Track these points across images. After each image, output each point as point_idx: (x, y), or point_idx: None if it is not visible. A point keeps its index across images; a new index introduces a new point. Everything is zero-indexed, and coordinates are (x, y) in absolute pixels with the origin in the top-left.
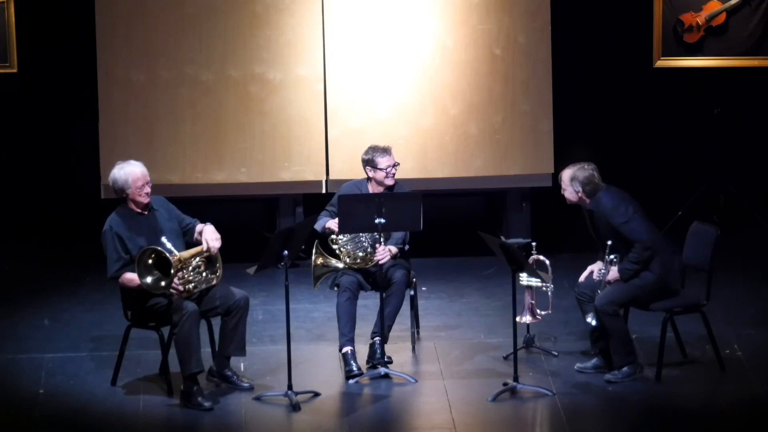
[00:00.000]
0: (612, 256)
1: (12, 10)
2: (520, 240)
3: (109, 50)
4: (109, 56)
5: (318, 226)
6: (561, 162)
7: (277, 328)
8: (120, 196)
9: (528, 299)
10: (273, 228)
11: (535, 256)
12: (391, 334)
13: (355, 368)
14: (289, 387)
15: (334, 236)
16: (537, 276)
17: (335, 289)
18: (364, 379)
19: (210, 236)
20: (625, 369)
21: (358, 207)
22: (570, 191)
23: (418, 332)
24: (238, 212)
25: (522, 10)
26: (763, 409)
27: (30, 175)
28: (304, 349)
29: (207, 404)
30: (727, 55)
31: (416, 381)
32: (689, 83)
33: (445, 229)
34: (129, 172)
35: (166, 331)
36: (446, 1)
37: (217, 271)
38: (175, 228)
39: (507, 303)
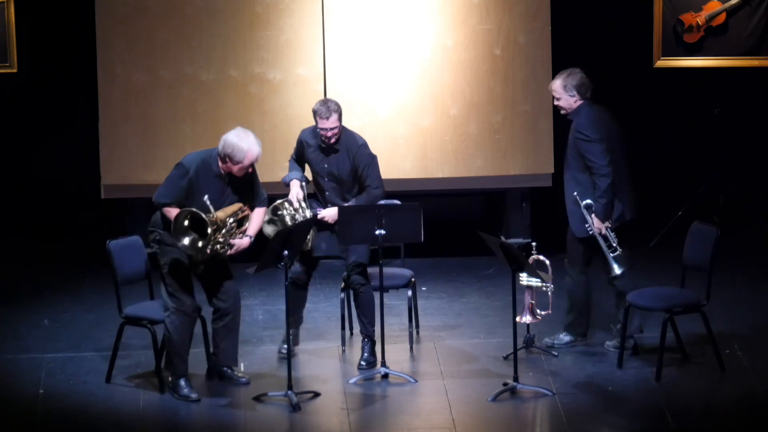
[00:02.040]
0: (585, 204)
1: (12, 10)
2: (520, 240)
3: (109, 50)
4: (109, 56)
5: (283, 180)
6: (561, 162)
7: (277, 328)
8: (221, 153)
9: (528, 299)
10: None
11: (535, 256)
12: (391, 334)
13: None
14: (289, 387)
15: (282, 201)
16: (537, 276)
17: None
18: (364, 379)
19: (253, 224)
20: (567, 337)
21: (357, 219)
22: (565, 99)
23: (417, 332)
24: None
25: (522, 10)
26: (763, 409)
27: (30, 175)
28: (304, 349)
29: (194, 396)
30: (727, 55)
31: (416, 381)
32: (689, 83)
33: (445, 229)
34: (248, 148)
35: (159, 329)
36: (446, 0)
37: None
38: (237, 198)
39: (507, 303)
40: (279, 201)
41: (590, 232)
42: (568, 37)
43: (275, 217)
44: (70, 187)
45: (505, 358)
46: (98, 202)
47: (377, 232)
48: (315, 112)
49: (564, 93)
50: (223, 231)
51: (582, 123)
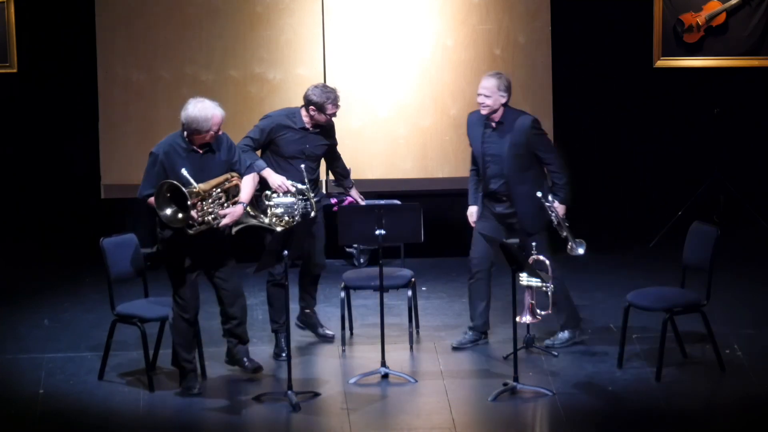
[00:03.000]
0: (539, 195)
1: (12, 10)
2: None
3: (109, 50)
4: (109, 56)
5: (258, 168)
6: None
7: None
8: (186, 129)
9: (528, 299)
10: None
11: (535, 256)
12: (391, 334)
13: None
14: (289, 387)
15: (269, 192)
16: (537, 276)
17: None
18: (364, 379)
19: (244, 191)
20: (566, 334)
21: (357, 218)
22: (495, 98)
23: (417, 332)
24: None
25: (522, 10)
26: (763, 409)
27: (30, 174)
28: (304, 349)
29: (196, 390)
30: (727, 55)
31: (416, 381)
32: (689, 83)
33: (445, 229)
34: (211, 115)
35: (149, 327)
36: (446, 0)
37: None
38: (218, 172)
39: (507, 303)
40: (265, 194)
41: (555, 221)
42: (568, 37)
43: (278, 213)
44: (70, 187)
45: (505, 358)
46: (98, 202)
47: (377, 232)
48: (320, 104)
49: (497, 92)
50: (209, 201)
51: (532, 120)
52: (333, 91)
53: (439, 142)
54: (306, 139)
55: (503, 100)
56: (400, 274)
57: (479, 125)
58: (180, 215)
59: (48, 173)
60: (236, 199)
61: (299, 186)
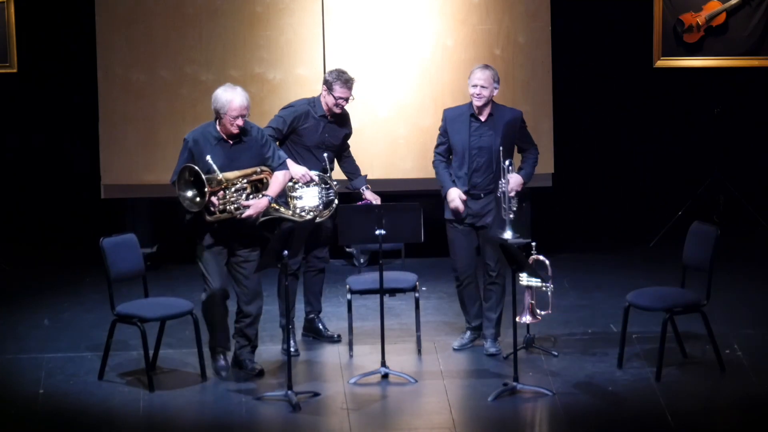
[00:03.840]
0: (507, 163)
1: (12, 10)
2: (520, 240)
3: (109, 50)
4: (109, 56)
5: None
6: (561, 162)
7: (277, 328)
8: (216, 115)
9: (528, 299)
10: (273, 228)
11: (535, 256)
12: (391, 334)
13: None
14: (289, 387)
15: (291, 183)
16: (537, 276)
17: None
18: (364, 379)
19: (273, 186)
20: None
21: (357, 218)
22: (491, 90)
23: (418, 332)
24: None
25: (522, 10)
26: (763, 409)
27: (30, 175)
28: (304, 349)
29: (224, 373)
30: (727, 55)
31: (416, 381)
32: (689, 83)
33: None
34: (230, 99)
35: (149, 327)
36: (446, 0)
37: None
38: (249, 164)
39: (507, 303)
40: (288, 185)
41: (501, 189)
42: (568, 37)
43: (301, 204)
44: (70, 187)
45: (505, 358)
46: (98, 202)
47: (377, 232)
48: (329, 83)
49: (492, 84)
50: (232, 191)
51: (521, 113)
52: (346, 74)
53: None
54: (326, 128)
55: (496, 92)
56: (404, 278)
57: (462, 120)
58: (198, 199)
59: (48, 173)
60: (265, 192)
61: (321, 175)
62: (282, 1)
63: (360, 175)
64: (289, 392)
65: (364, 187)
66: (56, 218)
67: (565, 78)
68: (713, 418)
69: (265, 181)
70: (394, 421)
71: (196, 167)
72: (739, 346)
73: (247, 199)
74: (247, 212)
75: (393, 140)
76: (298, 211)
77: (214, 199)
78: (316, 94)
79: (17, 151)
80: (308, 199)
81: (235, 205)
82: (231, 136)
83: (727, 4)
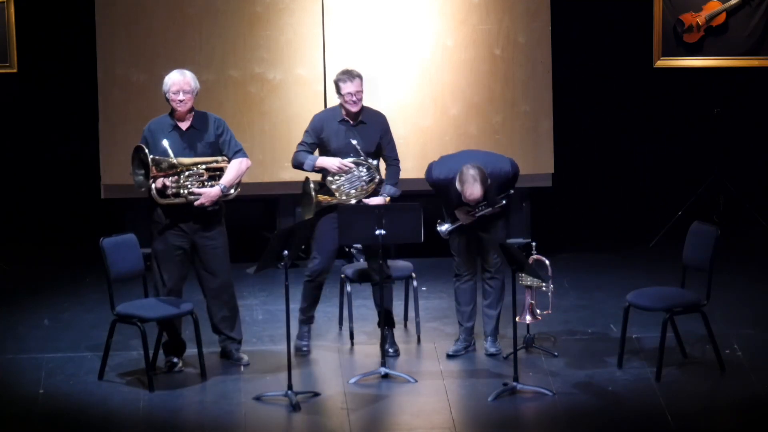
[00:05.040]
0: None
1: (12, 10)
2: (520, 240)
3: (109, 50)
4: (109, 56)
5: (307, 166)
6: (561, 162)
7: (277, 328)
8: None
9: (528, 299)
10: (273, 228)
11: (535, 256)
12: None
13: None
14: (289, 387)
15: (330, 177)
16: (537, 276)
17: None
18: (364, 379)
19: (227, 175)
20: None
21: (357, 218)
22: (480, 188)
23: (418, 332)
24: (238, 212)
25: (522, 10)
26: (763, 409)
27: (30, 174)
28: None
29: (243, 361)
30: (727, 55)
31: (416, 381)
32: (689, 83)
33: None
34: (168, 78)
35: (149, 327)
36: (446, 1)
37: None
38: (206, 151)
39: (507, 303)
40: (327, 180)
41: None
42: (568, 37)
43: (345, 189)
44: (70, 187)
45: (505, 358)
46: (98, 202)
47: (377, 232)
48: (335, 83)
49: (482, 186)
50: (186, 174)
51: (514, 167)
52: (351, 71)
53: (439, 142)
54: (350, 133)
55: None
56: (399, 266)
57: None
58: (146, 180)
59: (48, 173)
60: (218, 182)
61: (355, 160)
62: (282, 1)
63: (391, 185)
64: (289, 392)
65: (384, 194)
66: (56, 218)
67: (565, 78)
68: (713, 418)
69: (224, 169)
70: (394, 421)
71: (142, 147)
72: (739, 346)
73: (202, 186)
74: (199, 200)
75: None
76: (344, 198)
77: (167, 181)
78: (315, 94)
79: (17, 151)
80: (350, 184)
81: (188, 191)
82: (184, 122)
83: (727, 4)
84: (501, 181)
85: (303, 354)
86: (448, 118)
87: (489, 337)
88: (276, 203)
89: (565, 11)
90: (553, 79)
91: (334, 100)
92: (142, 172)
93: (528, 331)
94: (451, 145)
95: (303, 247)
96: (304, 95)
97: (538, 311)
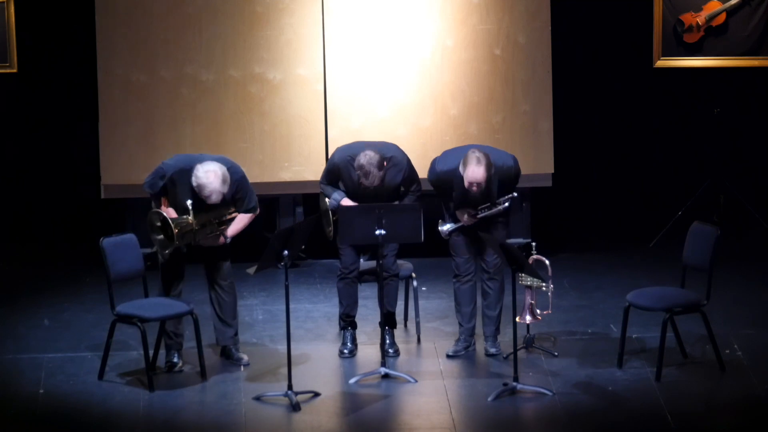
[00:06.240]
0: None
1: (12, 10)
2: (520, 240)
3: (109, 50)
4: (109, 56)
5: (331, 205)
6: (561, 162)
7: (277, 328)
8: None
9: (528, 299)
10: (273, 228)
11: (535, 256)
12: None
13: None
14: (289, 387)
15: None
16: (537, 276)
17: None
18: (364, 379)
19: (233, 226)
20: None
21: (357, 218)
22: (484, 172)
23: (418, 332)
24: None
25: (522, 10)
26: (763, 409)
27: (30, 175)
28: (304, 349)
29: (243, 361)
30: (727, 55)
31: (416, 381)
32: (689, 83)
33: None
34: (199, 184)
35: (149, 327)
36: (446, 1)
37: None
38: (222, 208)
39: (507, 303)
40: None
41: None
42: (568, 37)
43: None
44: (70, 187)
45: (505, 358)
46: (98, 202)
47: (377, 232)
48: (358, 169)
49: (488, 173)
50: (197, 228)
51: (513, 162)
52: (365, 167)
53: (439, 142)
54: (364, 195)
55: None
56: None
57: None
58: (167, 242)
59: (48, 173)
60: (225, 232)
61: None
62: (282, 1)
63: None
64: (289, 392)
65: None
66: (56, 218)
67: (565, 78)
68: (713, 418)
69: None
70: (394, 421)
71: (165, 215)
72: (739, 346)
73: (211, 232)
74: (202, 244)
75: (393, 140)
76: None
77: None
78: (315, 94)
79: (17, 151)
80: None
81: (197, 240)
82: None
83: (727, 4)
84: (504, 176)
85: (344, 357)
86: (448, 118)
87: (489, 338)
88: (276, 203)
89: (565, 11)
90: (553, 79)
91: (334, 100)
92: (163, 235)
93: (528, 331)
94: (451, 145)
95: (303, 247)
96: (304, 95)
97: (538, 311)
